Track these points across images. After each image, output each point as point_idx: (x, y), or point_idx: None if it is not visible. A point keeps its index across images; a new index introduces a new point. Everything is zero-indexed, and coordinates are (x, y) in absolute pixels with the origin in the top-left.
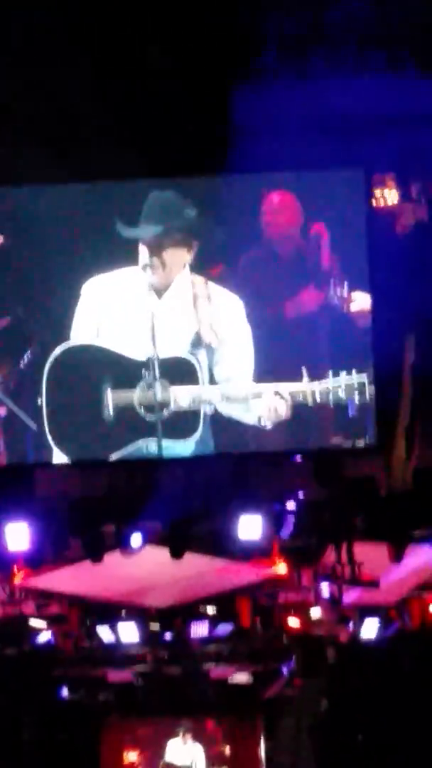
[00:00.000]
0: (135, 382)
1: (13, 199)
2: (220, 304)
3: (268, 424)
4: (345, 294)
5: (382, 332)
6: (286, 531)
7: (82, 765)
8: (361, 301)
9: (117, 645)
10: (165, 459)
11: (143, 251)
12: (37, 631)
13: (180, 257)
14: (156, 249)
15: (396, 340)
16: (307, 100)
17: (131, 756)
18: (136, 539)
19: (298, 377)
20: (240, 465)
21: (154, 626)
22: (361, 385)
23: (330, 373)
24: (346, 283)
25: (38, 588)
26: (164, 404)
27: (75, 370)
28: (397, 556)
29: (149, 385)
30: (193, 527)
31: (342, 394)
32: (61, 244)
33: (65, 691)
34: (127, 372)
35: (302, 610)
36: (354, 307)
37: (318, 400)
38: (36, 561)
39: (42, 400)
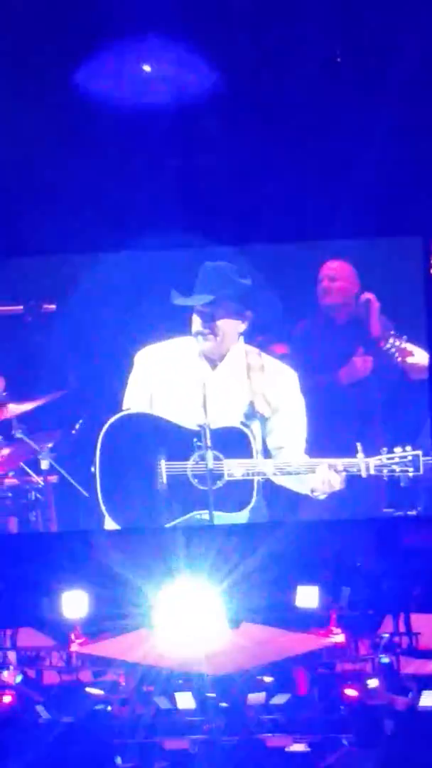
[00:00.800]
0: (189, 452)
1: (66, 268)
2: (273, 375)
3: (321, 496)
4: (403, 344)
5: None
6: (344, 601)
7: None
8: (418, 357)
9: (173, 713)
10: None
11: (196, 320)
12: (93, 699)
13: (234, 327)
14: (210, 318)
15: None
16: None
17: None
18: None
19: (352, 452)
20: (296, 533)
21: (211, 695)
22: (416, 458)
23: (385, 449)
24: (405, 336)
25: (95, 655)
26: (217, 475)
27: (130, 438)
28: None
29: (202, 456)
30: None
31: (396, 468)
32: (113, 312)
33: (120, 760)
34: (181, 442)
35: (360, 681)
36: (410, 360)
37: (372, 472)
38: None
39: (95, 468)
